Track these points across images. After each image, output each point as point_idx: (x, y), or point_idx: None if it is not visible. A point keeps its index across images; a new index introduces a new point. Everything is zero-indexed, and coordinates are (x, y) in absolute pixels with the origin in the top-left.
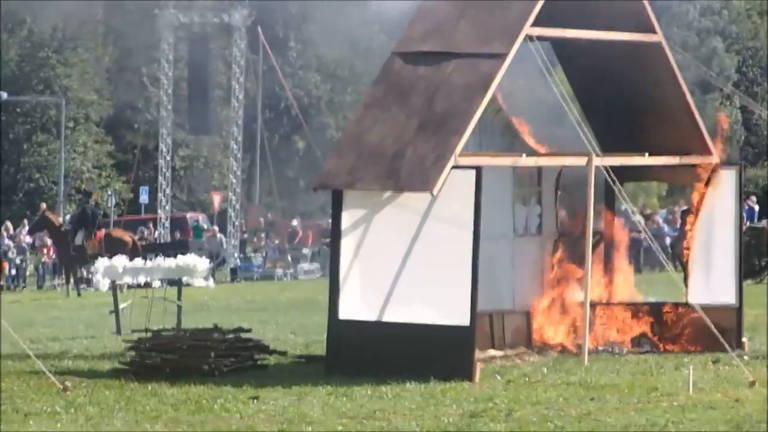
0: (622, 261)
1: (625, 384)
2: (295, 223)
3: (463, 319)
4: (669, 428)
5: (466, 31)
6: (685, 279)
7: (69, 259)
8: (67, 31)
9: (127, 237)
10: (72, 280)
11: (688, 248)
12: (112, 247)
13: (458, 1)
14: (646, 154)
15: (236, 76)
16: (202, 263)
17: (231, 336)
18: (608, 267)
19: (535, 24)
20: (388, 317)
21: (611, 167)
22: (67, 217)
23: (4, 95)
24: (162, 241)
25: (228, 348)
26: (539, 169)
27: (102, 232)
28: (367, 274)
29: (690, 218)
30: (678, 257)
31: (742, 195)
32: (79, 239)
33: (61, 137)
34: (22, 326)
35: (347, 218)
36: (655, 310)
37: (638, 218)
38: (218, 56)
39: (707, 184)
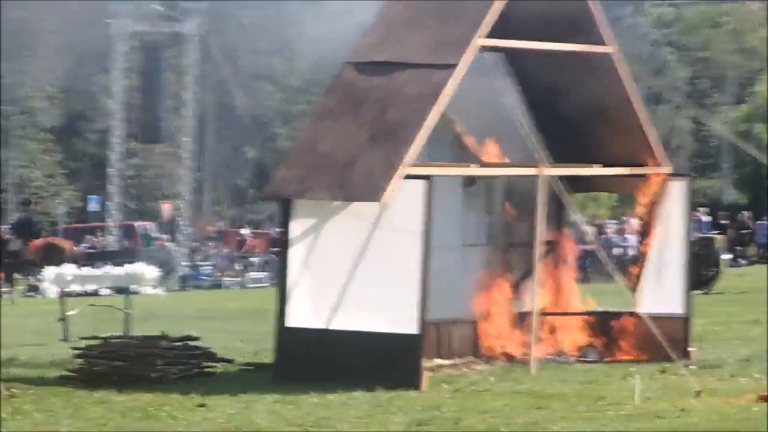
0: (570, 270)
1: (573, 393)
2: (244, 232)
3: (411, 327)
4: None
5: (418, 42)
6: (634, 288)
7: (5, 266)
8: (20, 39)
9: (66, 244)
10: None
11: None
12: (51, 255)
13: (411, 12)
14: (596, 165)
15: (187, 85)
16: (151, 271)
17: (179, 344)
18: (557, 276)
19: (489, 35)
20: (336, 325)
21: (563, 178)
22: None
23: None
24: (111, 249)
25: (176, 356)
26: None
27: (40, 240)
28: (315, 282)
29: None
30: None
31: (692, 206)
32: (15, 246)
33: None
34: None
35: (297, 227)
36: (603, 319)
37: (588, 228)
38: (170, 66)
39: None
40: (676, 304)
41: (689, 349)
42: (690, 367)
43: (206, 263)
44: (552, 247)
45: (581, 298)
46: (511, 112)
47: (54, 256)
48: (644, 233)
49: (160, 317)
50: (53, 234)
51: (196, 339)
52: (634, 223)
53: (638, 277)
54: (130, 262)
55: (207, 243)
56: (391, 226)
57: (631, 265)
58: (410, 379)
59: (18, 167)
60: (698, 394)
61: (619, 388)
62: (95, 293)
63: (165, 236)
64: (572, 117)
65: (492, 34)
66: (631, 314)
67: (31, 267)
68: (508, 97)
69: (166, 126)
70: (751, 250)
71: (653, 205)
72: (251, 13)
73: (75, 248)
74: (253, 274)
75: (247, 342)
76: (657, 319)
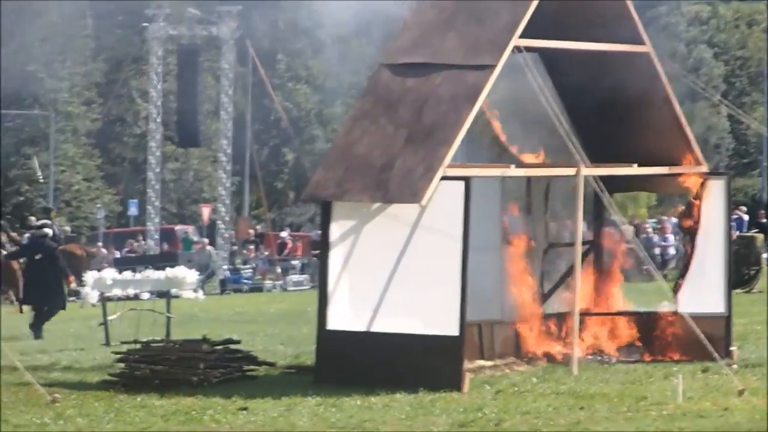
0: (611, 270)
1: (615, 393)
2: (284, 234)
3: (452, 329)
4: None
5: (453, 43)
6: (676, 288)
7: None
8: (56, 45)
9: (79, 251)
10: None
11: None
12: (66, 262)
13: (446, 12)
14: (635, 164)
15: (225, 88)
16: (191, 275)
17: (220, 347)
18: (598, 276)
19: (523, 35)
20: (377, 327)
21: (600, 178)
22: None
23: None
24: (151, 253)
25: (217, 359)
26: (528, 180)
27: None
28: (356, 284)
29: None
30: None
31: (731, 205)
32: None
33: (50, 150)
34: (11, 338)
35: (336, 229)
36: (644, 319)
37: (627, 228)
38: (207, 69)
39: (697, 195)
40: (717, 303)
41: (731, 348)
42: (732, 366)
43: (246, 266)
44: (592, 246)
45: (622, 298)
46: (549, 112)
47: (69, 262)
48: (684, 233)
49: (201, 321)
50: (95, 239)
51: (237, 342)
52: (674, 222)
53: (680, 276)
54: (171, 266)
55: (247, 246)
56: (430, 227)
57: (671, 265)
58: (452, 381)
59: (59, 172)
60: (741, 393)
61: (661, 388)
62: (136, 297)
63: (205, 240)
64: (609, 117)
65: (527, 34)
66: (673, 314)
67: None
68: (544, 97)
69: (205, 129)
70: None
71: (693, 205)
72: (286, 15)
73: (93, 250)
74: (294, 277)
75: (288, 345)
76: (698, 318)
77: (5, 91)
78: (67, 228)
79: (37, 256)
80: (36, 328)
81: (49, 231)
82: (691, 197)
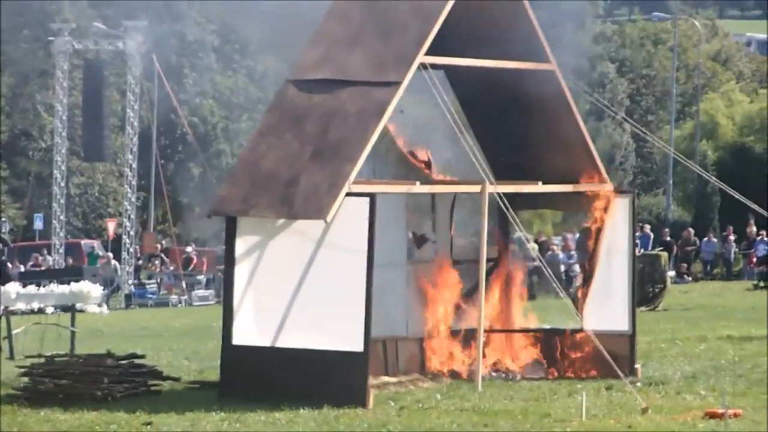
0: (516, 287)
1: (519, 410)
2: (189, 249)
3: (356, 345)
4: None
5: (360, 59)
6: (580, 305)
7: None
8: None
9: None
10: None
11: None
12: None
13: (352, 28)
14: (540, 182)
15: (131, 103)
16: (96, 290)
17: (124, 362)
18: (502, 293)
19: (429, 51)
20: (282, 343)
21: (505, 195)
22: None
23: None
24: (56, 267)
25: (121, 374)
26: (433, 196)
27: None
28: (261, 300)
29: (589, 244)
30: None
31: (636, 223)
32: None
33: None
34: None
35: (241, 245)
36: (549, 336)
37: (532, 245)
38: (113, 84)
39: (605, 211)
40: (621, 321)
41: (635, 365)
42: (636, 383)
43: (151, 281)
44: (497, 264)
45: (527, 315)
46: (454, 129)
47: None
48: (589, 250)
49: (106, 336)
50: None
51: (141, 357)
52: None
53: (584, 294)
54: (76, 281)
55: (152, 261)
56: (336, 243)
57: (576, 282)
58: (357, 397)
59: None
60: (645, 410)
61: (565, 405)
62: (41, 311)
63: (110, 254)
64: (514, 133)
65: (432, 50)
66: (577, 331)
67: None
68: (449, 114)
69: (110, 144)
70: (696, 267)
71: (598, 222)
72: (194, 30)
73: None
74: (199, 292)
75: (192, 360)
76: (603, 335)
77: None
78: None
79: None
80: None
81: None
82: (593, 215)
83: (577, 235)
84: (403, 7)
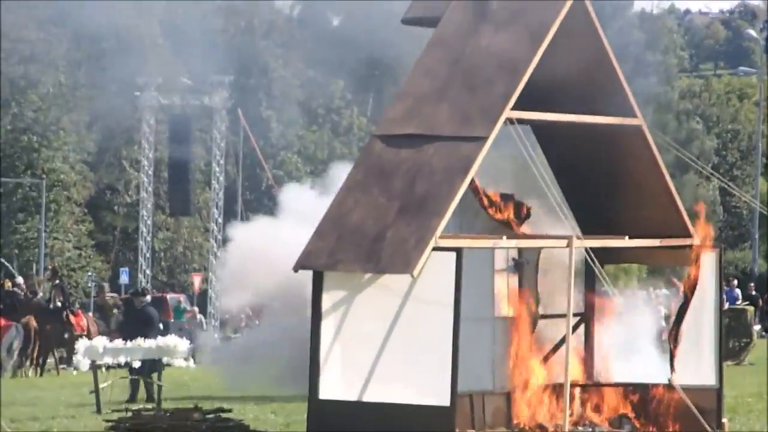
0: (603, 342)
1: None
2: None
3: (443, 399)
4: None
5: (446, 114)
6: (671, 360)
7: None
8: (51, 115)
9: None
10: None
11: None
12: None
13: (438, 82)
14: (626, 236)
15: (216, 157)
16: (183, 344)
17: (211, 416)
18: (590, 347)
19: (516, 107)
20: (368, 397)
21: (592, 249)
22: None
23: None
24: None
25: (208, 428)
26: (520, 251)
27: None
28: (347, 354)
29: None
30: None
31: (723, 277)
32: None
33: (42, 217)
34: (1, 405)
35: (327, 299)
36: (636, 390)
37: (619, 299)
38: (198, 138)
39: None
40: (708, 375)
41: (722, 420)
42: None
43: (236, 335)
44: (584, 317)
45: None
46: (541, 183)
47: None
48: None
49: (192, 389)
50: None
51: (228, 411)
52: (664, 293)
53: (672, 348)
54: (163, 335)
55: (238, 315)
56: (422, 297)
57: (663, 337)
58: None
59: (51, 238)
60: None
61: None
62: (127, 365)
63: (196, 308)
64: (600, 188)
65: (519, 105)
66: (665, 385)
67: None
68: (536, 169)
69: (195, 198)
70: None
71: (687, 277)
72: (279, 84)
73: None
74: None
75: (279, 414)
76: (690, 390)
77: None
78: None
79: None
80: None
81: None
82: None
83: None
84: (489, 61)
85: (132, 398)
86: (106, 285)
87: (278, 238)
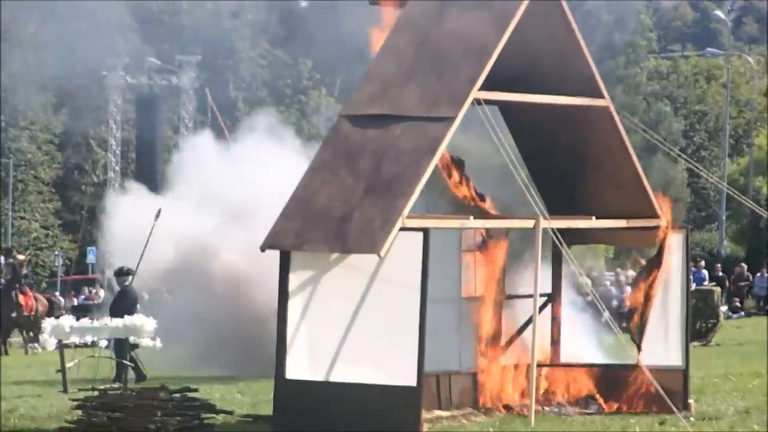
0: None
1: None
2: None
3: (410, 379)
4: None
5: (413, 95)
6: (638, 341)
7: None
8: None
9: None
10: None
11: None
12: None
13: (406, 65)
14: (593, 217)
15: (184, 137)
16: (150, 323)
17: (178, 395)
18: (556, 328)
19: (483, 87)
20: (335, 377)
21: (559, 230)
22: None
23: None
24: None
25: (175, 407)
26: (486, 231)
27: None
28: (314, 334)
29: (643, 281)
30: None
31: (690, 258)
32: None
33: (9, 197)
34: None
35: (295, 279)
36: (602, 371)
37: (585, 280)
38: (166, 118)
39: (661, 247)
40: (675, 356)
41: (689, 401)
42: (689, 418)
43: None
44: (550, 298)
45: (580, 350)
46: (507, 164)
47: None
48: (643, 286)
49: (159, 369)
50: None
51: (194, 390)
52: (631, 274)
53: (639, 329)
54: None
55: None
56: (389, 278)
57: (629, 317)
58: (410, 431)
59: (17, 218)
60: None
61: None
62: (93, 345)
63: (163, 288)
64: (567, 169)
65: (486, 86)
66: (631, 366)
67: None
68: (504, 150)
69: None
70: (749, 302)
71: (652, 258)
72: (247, 65)
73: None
74: None
75: (245, 393)
76: (656, 370)
77: None
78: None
79: None
80: None
81: None
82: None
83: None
84: (456, 44)
85: (118, 377)
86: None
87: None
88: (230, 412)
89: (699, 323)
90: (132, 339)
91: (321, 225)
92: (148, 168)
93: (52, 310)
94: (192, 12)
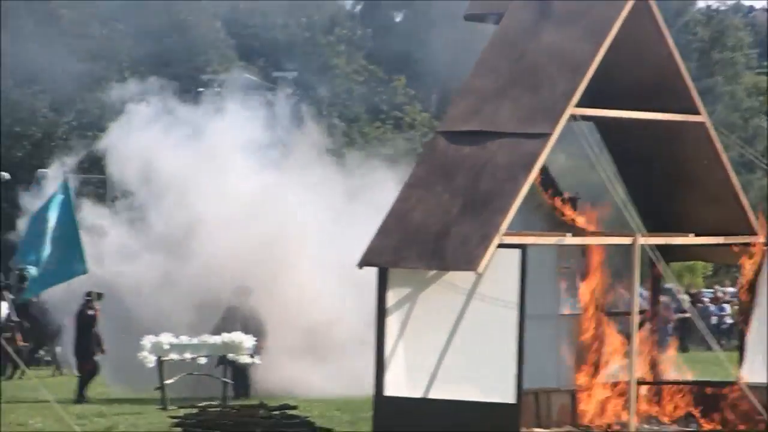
0: (667, 339)
1: None
2: None
3: (508, 396)
4: None
5: (509, 111)
6: (740, 358)
7: None
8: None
9: None
10: None
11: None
12: None
13: (501, 80)
14: (691, 234)
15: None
16: (248, 340)
17: (277, 413)
18: (654, 345)
19: (579, 104)
20: (433, 394)
21: (656, 246)
22: None
23: (6, 175)
24: None
25: (274, 425)
26: (584, 249)
27: None
28: (412, 351)
29: (742, 298)
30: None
31: None
32: None
33: None
34: (68, 402)
35: (392, 296)
36: (701, 388)
37: (684, 297)
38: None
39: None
40: None
41: None
42: None
43: None
44: (648, 315)
45: (679, 367)
46: (604, 180)
47: None
48: (742, 302)
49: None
50: None
51: (293, 408)
52: (730, 292)
53: (740, 346)
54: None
55: None
56: (486, 295)
57: (728, 334)
58: None
59: None
60: None
61: None
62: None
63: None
64: (664, 185)
65: (582, 102)
66: (731, 383)
67: None
68: (600, 166)
69: None
70: None
71: (753, 274)
72: (342, 81)
73: None
74: None
75: (344, 411)
76: (756, 388)
77: None
78: None
79: None
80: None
81: None
82: (746, 268)
83: (730, 288)
84: (551, 59)
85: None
86: None
87: None
88: (329, 430)
89: None
90: (231, 356)
91: (417, 242)
92: None
93: None
94: (287, 28)
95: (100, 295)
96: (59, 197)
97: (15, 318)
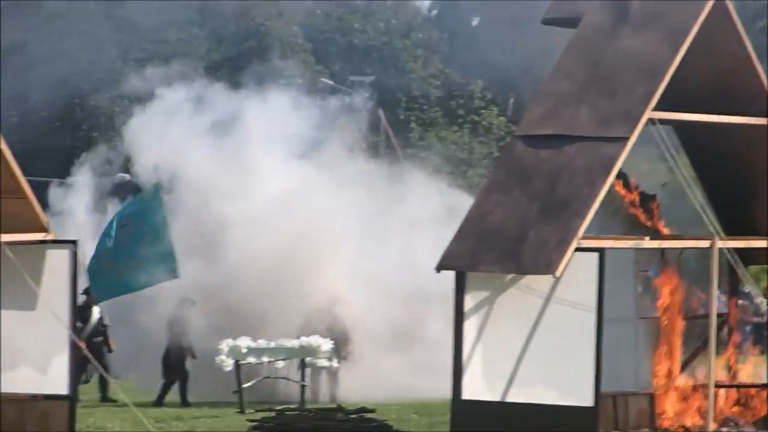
0: (746, 343)
1: None
2: None
3: (587, 400)
4: None
5: (586, 114)
6: None
7: None
8: None
9: None
10: None
11: None
12: None
13: (578, 84)
14: None
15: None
16: (326, 343)
17: (354, 416)
18: (732, 348)
19: (657, 107)
20: (511, 398)
21: (735, 249)
22: None
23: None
24: None
25: (352, 428)
26: (662, 252)
27: None
28: (490, 354)
29: None
30: None
31: None
32: None
33: None
34: (146, 406)
35: (470, 300)
36: None
37: (762, 300)
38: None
39: None
40: None
41: None
42: None
43: None
44: (727, 318)
45: (757, 370)
46: (683, 184)
47: None
48: None
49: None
50: None
51: (371, 411)
52: None
53: None
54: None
55: None
56: (564, 298)
57: None
58: None
59: None
60: None
61: None
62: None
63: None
64: (743, 188)
65: (660, 106)
66: None
67: None
68: (678, 169)
69: None
70: None
71: None
72: (419, 84)
73: None
74: None
75: (422, 414)
76: None
77: None
78: None
79: None
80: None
81: None
82: None
83: None
84: (629, 63)
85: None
86: None
87: None
88: None
89: None
90: (308, 359)
91: (495, 245)
92: None
93: None
94: (364, 31)
95: (193, 302)
96: (150, 202)
97: (107, 322)
